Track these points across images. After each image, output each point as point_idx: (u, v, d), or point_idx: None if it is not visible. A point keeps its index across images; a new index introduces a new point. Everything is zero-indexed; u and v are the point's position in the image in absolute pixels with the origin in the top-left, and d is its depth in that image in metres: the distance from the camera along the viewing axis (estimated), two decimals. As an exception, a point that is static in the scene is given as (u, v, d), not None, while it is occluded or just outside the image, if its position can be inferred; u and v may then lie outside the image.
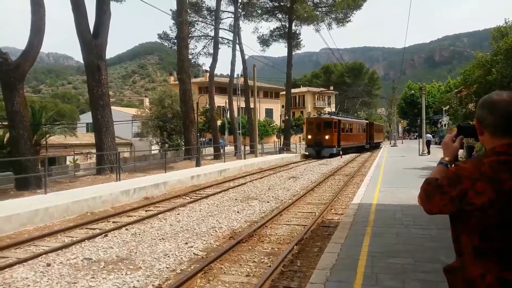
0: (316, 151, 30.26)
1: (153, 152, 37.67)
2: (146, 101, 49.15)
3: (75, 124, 48.66)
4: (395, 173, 16.69)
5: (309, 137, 31.58)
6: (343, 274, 4.71)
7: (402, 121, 64.62)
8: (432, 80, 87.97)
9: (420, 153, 27.44)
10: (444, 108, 41.80)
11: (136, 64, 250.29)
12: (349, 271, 4.81)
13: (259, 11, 38.77)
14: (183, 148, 27.95)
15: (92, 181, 15.91)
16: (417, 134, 54.94)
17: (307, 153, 31.85)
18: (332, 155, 30.20)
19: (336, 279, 4.57)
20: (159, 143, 39.12)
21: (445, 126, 49.43)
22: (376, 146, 49.70)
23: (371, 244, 5.94)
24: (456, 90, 20.31)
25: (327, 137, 30.31)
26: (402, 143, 53.44)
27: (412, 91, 69.82)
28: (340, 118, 33.63)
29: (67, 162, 32.85)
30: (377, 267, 4.91)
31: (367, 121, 46.52)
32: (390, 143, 53.66)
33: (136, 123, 44.47)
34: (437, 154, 28.25)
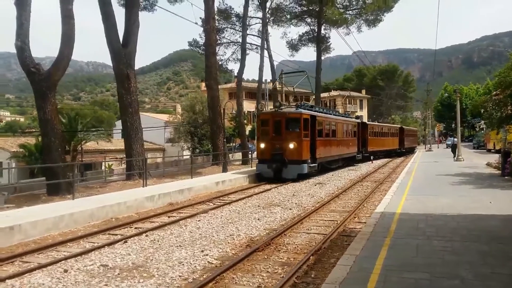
0: (273, 169, 18.04)
1: (184, 157, 38.24)
2: (179, 108, 50.22)
3: (111, 130, 50.20)
4: (426, 179, 16.11)
5: (262, 145, 18.79)
6: (352, 289, 4.53)
7: (438, 125, 62.53)
8: (470, 82, 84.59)
9: (455, 159, 26.38)
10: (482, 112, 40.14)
11: (171, 71, 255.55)
12: (358, 285, 4.63)
13: (288, 16, 38.70)
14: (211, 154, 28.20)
15: (121, 187, 16.29)
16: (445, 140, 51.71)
17: (259, 172, 19.12)
18: (301, 176, 18.41)
19: (344, 294, 4.40)
20: (190, 148, 39.71)
21: (482, 130, 47.41)
22: (403, 153, 43.11)
23: (387, 257, 5.70)
24: (494, 93, 19.38)
25: (291, 145, 17.96)
26: (438, 147, 51.65)
27: (447, 94, 67.37)
28: (316, 113, 20.78)
29: (103, 168, 33.93)
30: (389, 283, 4.70)
31: (361, 121, 32.22)
32: (425, 148, 52.06)
33: (169, 128, 45.47)
34: (473, 159, 27.13)
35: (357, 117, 32.96)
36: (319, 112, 21.90)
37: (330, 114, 24.30)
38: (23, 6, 13.47)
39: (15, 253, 7.22)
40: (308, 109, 20.16)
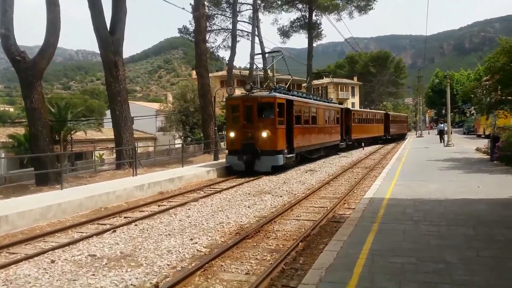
0: (244, 161, 16.23)
1: (176, 146, 38.09)
2: (170, 96, 49.84)
3: (102, 119, 49.76)
4: (415, 165, 16.22)
5: (232, 134, 16.98)
6: (338, 274, 4.55)
7: (429, 111, 62.83)
8: (461, 68, 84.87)
9: (445, 144, 26.56)
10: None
11: (162, 59, 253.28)
12: (345, 271, 4.64)
13: (279, 2, 38.39)
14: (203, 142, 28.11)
15: (111, 176, 16.21)
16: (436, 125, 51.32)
17: (229, 165, 17.19)
18: (276, 168, 16.64)
19: (329, 279, 4.42)
20: (182, 137, 39.54)
21: (473, 116, 47.77)
22: (390, 141, 42.49)
23: (374, 242, 5.73)
24: (484, 79, 19.46)
25: (265, 133, 16.07)
26: (429, 133, 51.98)
27: (438, 80, 67.58)
28: (293, 97, 18.75)
29: (94, 157, 33.70)
30: (375, 267, 4.72)
31: (344, 107, 30.79)
32: (416, 134, 52.38)
33: (160, 117, 45.18)
34: (463, 145, 27.36)
35: (340, 103, 31.07)
36: (297, 96, 19.90)
37: (310, 98, 22.16)
38: (6, -7, 13.14)
39: (1, 244, 7.15)
40: (284, 93, 18.01)
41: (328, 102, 26.19)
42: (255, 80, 25.22)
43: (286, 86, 20.54)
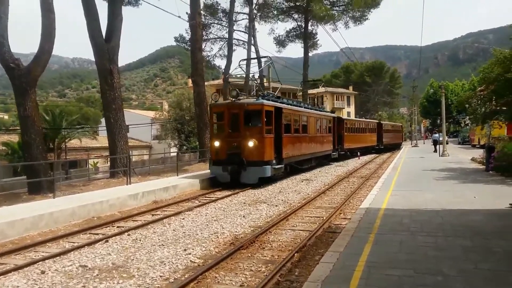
0: (230, 172, 15.31)
1: (171, 154, 37.90)
2: (165, 104, 49.75)
3: (97, 127, 49.54)
4: (411, 175, 16.19)
5: (216, 144, 15.88)
6: (335, 287, 4.45)
7: (424, 121, 63.16)
8: (456, 78, 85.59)
9: (441, 154, 26.62)
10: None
11: (158, 68, 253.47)
12: (341, 283, 4.55)
13: (275, 12, 38.56)
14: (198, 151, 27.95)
15: (105, 185, 16.01)
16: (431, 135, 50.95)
17: (214, 176, 16.13)
18: (264, 181, 15.70)
19: (326, 292, 4.32)
20: (177, 145, 39.36)
21: (467, 126, 48.03)
22: (388, 150, 42.33)
23: (371, 253, 5.65)
24: (479, 89, 19.60)
25: (251, 143, 15.07)
26: (424, 143, 52.16)
27: (432, 90, 68.08)
28: (283, 104, 17.68)
29: (88, 165, 33.42)
30: (372, 280, 4.63)
31: (336, 115, 29.85)
32: (411, 144, 52.55)
33: (156, 125, 45.04)
34: (458, 154, 27.41)
35: (332, 111, 29.70)
36: (287, 104, 18.80)
37: (301, 106, 21.22)
38: (1, 0, 13.07)
39: (-9, 254, 6.99)
40: (273, 100, 17.01)
41: (320, 111, 25.32)
42: (250, 88, 25.02)
43: (275, 93, 19.80)
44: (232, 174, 15.27)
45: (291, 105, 19.23)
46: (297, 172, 19.91)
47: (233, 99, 16.07)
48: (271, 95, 18.31)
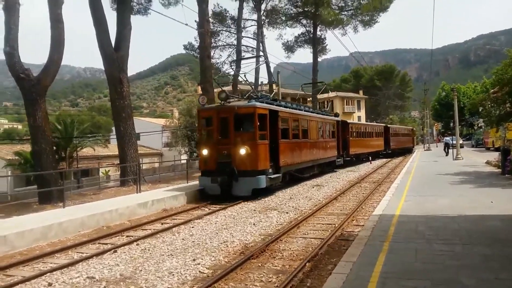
0: (220, 184, 13.71)
1: (182, 161, 37.93)
2: (176, 112, 49.94)
3: (108, 135, 49.92)
4: (425, 179, 15.87)
5: (205, 152, 14.43)
6: (348, 300, 4.27)
7: (436, 124, 62.36)
8: (468, 80, 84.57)
9: (455, 157, 26.14)
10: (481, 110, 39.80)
11: (168, 76, 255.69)
12: (355, 295, 4.36)
13: (283, 18, 38.58)
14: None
15: (115, 193, 16.02)
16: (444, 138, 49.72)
17: (203, 188, 14.64)
18: (258, 192, 14.17)
19: (339, 305, 4.14)
20: (187, 153, 39.40)
21: (481, 128, 47.26)
22: (396, 154, 40.64)
23: (385, 263, 5.44)
24: (492, 91, 19.22)
25: (243, 150, 13.62)
26: (437, 146, 51.43)
27: (444, 93, 67.30)
28: (279, 107, 16.14)
29: (100, 174, 33.63)
30: (387, 291, 4.43)
31: (341, 119, 27.06)
32: (424, 147, 51.87)
33: (166, 133, 45.20)
34: (472, 157, 26.91)
35: (336, 115, 27.07)
36: (284, 106, 17.25)
37: (301, 109, 19.40)
38: (11, 11, 13.23)
39: (-1, 266, 6.94)
40: (268, 103, 15.38)
41: (322, 114, 23.31)
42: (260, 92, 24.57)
43: (271, 96, 18.45)
44: (222, 185, 13.76)
45: (289, 107, 17.84)
46: (307, 179, 19.33)
47: (223, 102, 14.48)
48: (266, 97, 16.82)
